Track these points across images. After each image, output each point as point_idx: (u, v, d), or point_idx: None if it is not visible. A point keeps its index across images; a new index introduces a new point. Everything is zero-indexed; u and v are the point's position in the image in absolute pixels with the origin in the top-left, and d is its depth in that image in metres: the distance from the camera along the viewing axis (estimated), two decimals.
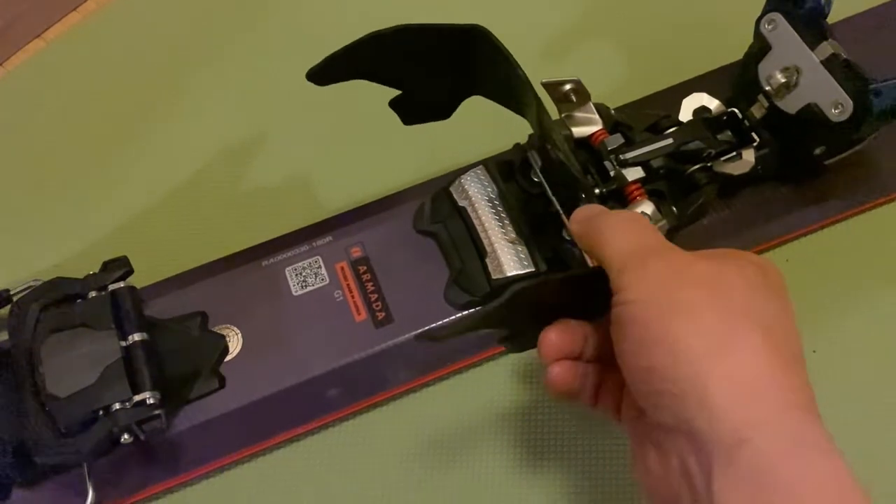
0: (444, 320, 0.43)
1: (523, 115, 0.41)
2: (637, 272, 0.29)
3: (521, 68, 0.38)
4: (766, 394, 0.26)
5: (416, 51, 0.40)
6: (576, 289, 0.32)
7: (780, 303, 0.29)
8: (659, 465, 0.28)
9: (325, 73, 0.40)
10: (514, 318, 0.34)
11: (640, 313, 0.28)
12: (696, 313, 0.27)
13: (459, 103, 0.44)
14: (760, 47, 0.45)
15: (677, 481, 0.27)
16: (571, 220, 0.34)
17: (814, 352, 0.45)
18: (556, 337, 0.32)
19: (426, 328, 0.43)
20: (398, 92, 0.43)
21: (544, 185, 0.43)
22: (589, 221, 0.33)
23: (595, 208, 0.34)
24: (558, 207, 0.43)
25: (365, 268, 0.45)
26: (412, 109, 0.45)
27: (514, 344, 0.36)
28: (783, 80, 0.43)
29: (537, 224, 0.44)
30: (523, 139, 0.46)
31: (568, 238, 0.42)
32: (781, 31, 0.44)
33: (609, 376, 0.33)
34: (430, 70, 0.42)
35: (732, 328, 0.27)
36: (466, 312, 0.43)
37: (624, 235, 0.31)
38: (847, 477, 0.25)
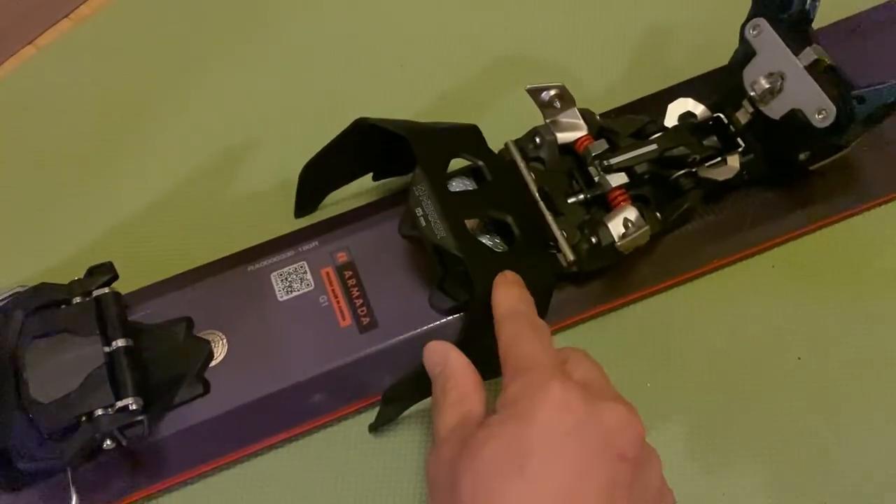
0: (429, 325, 0.44)
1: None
2: (433, 450, 0.33)
3: (405, 130, 0.41)
4: None
5: (340, 163, 0.46)
6: None
7: (598, 469, 0.29)
8: None
9: (304, 206, 0.49)
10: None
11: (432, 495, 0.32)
12: (460, 490, 0.29)
13: None
14: (745, 52, 0.45)
15: None
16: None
17: (798, 358, 0.45)
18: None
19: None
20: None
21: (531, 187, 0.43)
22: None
23: (436, 355, 0.36)
24: (544, 209, 0.43)
25: (350, 273, 0.45)
26: (389, 170, 0.49)
27: None
28: (767, 86, 0.43)
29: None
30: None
31: (552, 243, 0.42)
32: (766, 37, 0.44)
33: None
34: (369, 160, 0.47)
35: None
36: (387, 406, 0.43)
37: (442, 414, 0.34)
38: None
